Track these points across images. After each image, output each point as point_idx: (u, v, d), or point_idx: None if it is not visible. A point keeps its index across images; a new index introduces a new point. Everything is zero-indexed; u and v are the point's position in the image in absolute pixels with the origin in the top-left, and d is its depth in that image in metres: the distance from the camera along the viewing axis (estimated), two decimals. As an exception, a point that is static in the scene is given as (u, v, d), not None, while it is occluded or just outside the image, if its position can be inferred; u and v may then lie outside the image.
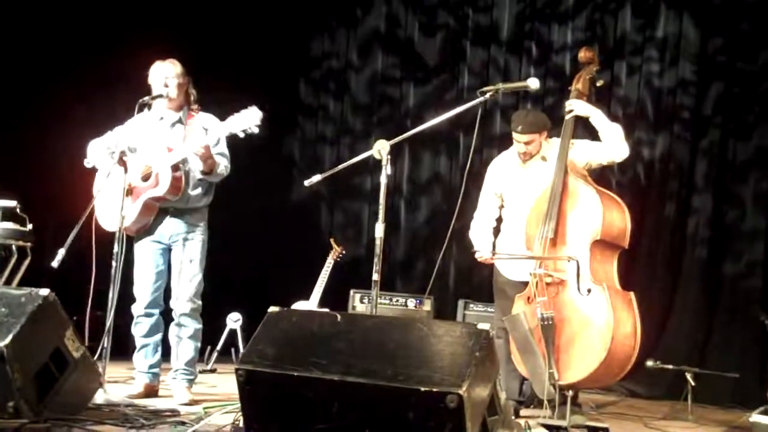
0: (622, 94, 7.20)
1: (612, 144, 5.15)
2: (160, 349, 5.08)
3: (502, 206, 5.43)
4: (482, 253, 5.27)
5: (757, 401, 5.54)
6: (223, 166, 4.96)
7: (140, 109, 4.83)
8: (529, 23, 7.62)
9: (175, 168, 4.83)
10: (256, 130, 4.61)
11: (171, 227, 4.98)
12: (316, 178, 4.34)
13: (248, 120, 4.61)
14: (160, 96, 4.93)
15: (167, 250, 5.01)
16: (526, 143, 5.20)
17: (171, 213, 4.97)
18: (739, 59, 6.86)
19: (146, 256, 5.00)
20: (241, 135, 4.66)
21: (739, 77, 6.86)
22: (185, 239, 4.98)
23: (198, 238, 5.01)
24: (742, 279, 6.75)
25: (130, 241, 4.95)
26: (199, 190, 4.99)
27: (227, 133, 4.73)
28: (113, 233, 4.70)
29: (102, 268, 4.64)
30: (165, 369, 5.11)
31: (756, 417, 4.67)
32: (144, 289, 4.99)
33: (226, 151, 5.01)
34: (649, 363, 5.95)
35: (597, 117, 5.18)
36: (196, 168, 4.89)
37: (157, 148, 4.88)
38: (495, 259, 5.21)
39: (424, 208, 7.90)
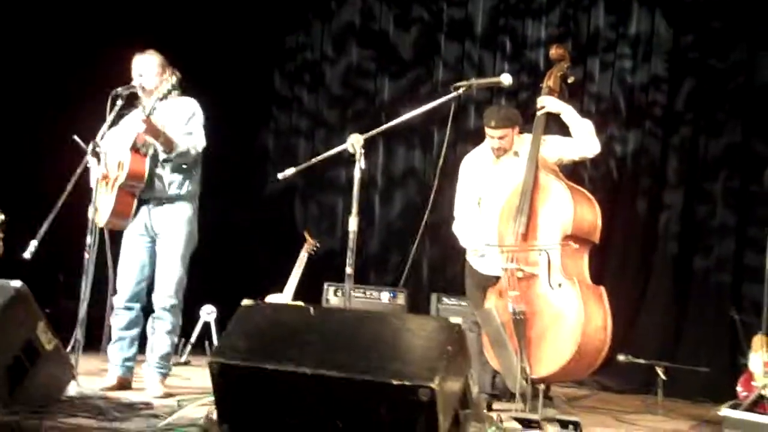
0: (594, 91, 7.23)
1: (583, 140, 5.20)
2: (136, 343, 5.05)
3: (478, 202, 5.46)
4: (475, 246, 5.27)
5: (728, 395, 5.62)
6: (188, 144, 4.88)
7: (113, 100, 4.78)
8: (503, 18, 7.63)
9: (135, 151, 4.81)
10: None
11: (153, 218, 4.94)
12: (290, 171, 4.34)
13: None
14: (133, 87, 4.90)
15: (152, 242, 4.98)
16: (500, 138, 5.24)
17: (152, 204, 4.94)
18: (710, 56, 6.92)
19: (131, 249, 4.97)
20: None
21: (710, 74, 6.91)
22: (168, 230, 4.94)
23: (180, 231, 4.95)
24: (713, 274, 6.82)
25: (101, 232, 4.89)
26: (176, 177, 4.94)
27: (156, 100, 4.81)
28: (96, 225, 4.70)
29: (77, 259, 4.61)
30: (140, 362, 5.09)
31: (726, 411, 4.73)
32: (126, 282, 4.96)
33: (197, 130, 4.96)
34: (621, 357, 6.00)
35: (568, 113, 5.22)
36: (159, 149, 4.86)
37: (127, 139, 4.87)
38: (485, 252, 5.20)
39: (398, 201, 7.91)
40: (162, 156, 4.87)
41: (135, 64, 4.97)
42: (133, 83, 4.90)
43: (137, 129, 4.75)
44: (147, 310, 5.03)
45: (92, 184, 4.80)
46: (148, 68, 4.94)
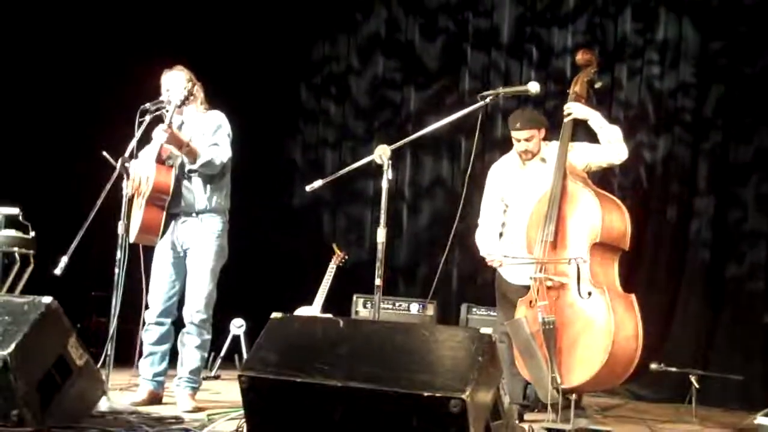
0: (622, 97, 7.21)
1: (611, 146, 5.15)
2: (167, 358, 5.04)
3: (505, 210, 5.43)
4: (492, 257, 5.25)
5: (762, 403, 5.55)
6: (211, 155, 4.86)
7: (141, 115, 4.82)
8: (529, 27, 7.64)
9: (160, 163, 4.82)
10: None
11: (183, 233, 4.94)
12: (318, 183, 4.34)
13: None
14: (161, 102, 4.93)
15: (182, 257, 4.98)
16: (526, 140, 5.22)
17: (181, 218, 4.94)
18: (738, 62, 6.88)
19: (161, 264, 4.97)
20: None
21: (739, 80, 6.87)
22: (198, 245, 4.93)
23: (211, 246, 4.94)
24: (745, 281, 6.77)
25: (134, 248, 4.92)
26: (204, 190, 4.94)
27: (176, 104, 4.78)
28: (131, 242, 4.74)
29: (108, 275, 4.63)
30: (170, 376, 5.11)
31: (761, 419, 4.67)
32: (157, 297, 4.96)
33: (223, 141, 4.96)
34: (653, 366, 5.94)
35: (595, 119, 5.18)
36: (184, 160, 4.87)
37: (153, 155, 4.89)
38: (504, 264, 5.19)
39: (426, 212, 7.91)
40: (188, 167, 4.89)
41: (164, 80, 5.00)
42: (161, 98, 4.93)
43: (160, 140, 4.77)
44: (178, 324, 5.04)
45: (124, 200, 4.84)
46: (176, 83, 4.96)
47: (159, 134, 4.75)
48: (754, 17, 6.81)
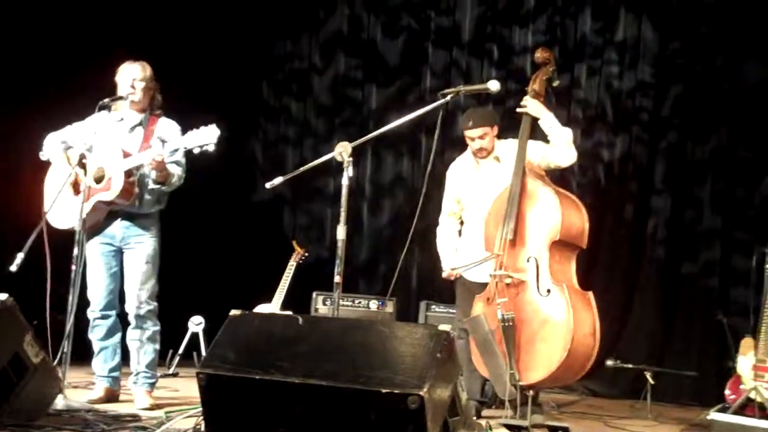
0: (582, 97, 7.27)
1: (558, 148, 5.19)
2: (119, 351, 5.02)
3: (463, 210, 5.47)
4: (448, 272, 5.33)
5: (716, 399, 5.66)
6: (177, 176, 4.91)
7: (100, 110, 4.79)
8: (490, 26, 7.66)
9: (128, 174, 4.78)
10: (212, 148, 4.60)
11: (122, 230, 4.91)
12: (278, 180, 4.33)
13: (206, 137, 4.59)
14: (122, 98, 4.89)
15: (119, 252, 4.94)
16: (480, 137, 5.25)
17: (122, 216, 4.91)
18: (696, 62, 6.96)
19: (98, 258, 4.92)
20: (197, 151, 4.65)
21: (696, 80, 6.95)
22: (137, 242, 4.92)
23: (150, 242, 4.95)
24: (700, 279, 6.86)
25: (68, 246, 4.85)
26: (151, 197, 4.94)
27: (183, 148, 4.72)
28: (66, 233, 4.68)
29: (60, 271, 4.58)
30: (126, 374, 5.07)
31: (715, 415, 4.74)
32: (98, 291, 4.92)
33: (183, 161, 4.96)
34: (609, 362, 6.02)
35: (547, 119, 5.20)
36: (149, 176, 4.86)
37: (112, 151, 4.83)
38: (460, 272, 5.22)
39: (387, 209, 7.92)
40: (153, 185, 4.87)
41: (127, 73, 4.93)
42: (122, 93, 4.89)
43: (142, 159, 4.74)
44: (121, 318, 5.01)
45: (52, 182, 4.81)
46: (140, 79, 4.91)
47: (144, 154, 4.74)
48: (713, 18, 6.90)
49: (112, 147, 4.84)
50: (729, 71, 6.84)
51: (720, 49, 6.89)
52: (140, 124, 4.96)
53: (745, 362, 5.48)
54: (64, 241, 4.67)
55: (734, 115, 6.81)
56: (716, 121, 6.89)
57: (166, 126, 4.97)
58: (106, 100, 4.81)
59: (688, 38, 7.00)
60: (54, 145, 4.98)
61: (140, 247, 4.92)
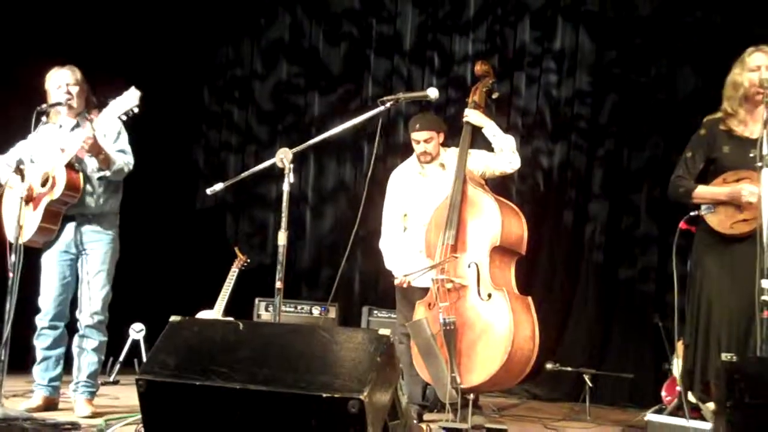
0: (521, 105, 7.36)
1: (503, 155, 5.29)
2: (62, 362, 4.97)
3: (405, 215, 5.51)
4: (399, 279, 5.33)
5: (652, 400, 5.78)
6: (123, 162, 4.86)
7: (38, 117, 4.74)
8: (431, 34, 7.73)
9: (70, 167, 4.75)
10: (136, 110, 4.60)
11: (78, 236, 4.87)
12: (219, 186, 4.32)
13: (128, 101, 4.59)
14: (59, 104, 4.85)
15: (75, 260, 4.91)
16: (426, 141, 5.32)
17: (78, 220, 4.87)
18: (632, 71, 7.11)
19: (53, 267, 4.89)
20: (124, 118, 4.63)
21: (632, 89, 7.09)
22: (93, 249, 4.88)
23: (106, 247, 4.92)
24: (637, 283, 6.99)
25: (29, 251, 4.82)
26: (103, 193, 4.90)
27: (111, 117, 4.67)
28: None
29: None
30: (66, 381, 5.02)
31: (651, 416, 4.83)
32: (49, 300, 4.88)
33: (128, 148, 4.94)
34: (549, 365, 6.10)
35: (490, 128, 5.32)
36: (92, 166, 4.82)
37: (52, 153, 4.81)
38: (410, 279, 5.25)
39: (329, 216, 7.94)
40: (98, 174, 4.83)
41: (58, 78, 4.90)
42: (59, 99, 4.85)
43: (76, 146, 4.70)
44: (70, 326, 4.96)
45: (8, 202, 4.76)
46: (73, 83, 4.88)
47: (75, 141, 4.69)
48: (648, 28, 7.06)
49: (52, 150, 4.81)
50: (663, 81, 7.00)
51: (655, 59, 7.04)
52: (78, 125, 4.94)
53: (680, 365, 5.60)
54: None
55: (669, 123, 6.94)
56: (652, 129, 7.03)
57: (102, 121, 4.92)
58: (44, 106, 4.78)
59: (623, 48, 7.14)
60: (2, 168, 4.93)
61: (96, 253, 4.89)
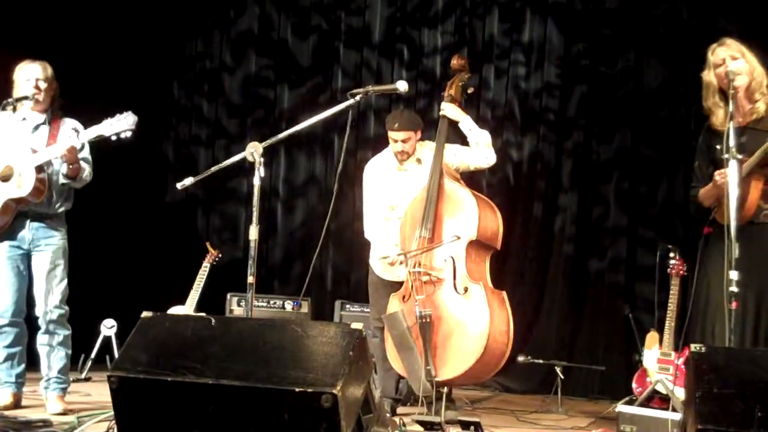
0: (490, 97, 7.39)
1: (479, 149, 5.31)
2: (25, 357, 4.93)
3: (391, 208, 5.48)
4: (392, 258, 5.25)
5: (623, 392, 5.83)
6: (87, 172, 4.86)
7: (4, 108, 4.70)
8: (400, 27, 7.73)
9: (39, 170, 4.71)
10: (129, 134, 4.56)
11: (31, 232, 4.82)
12: (189, 180, 4.29)
13: (122, 124, 4.55)
14: (26, 98, 4.80)
15: (27, 256, 4.86)
16: (403, 141, 5.32)
17: (31, 217, 4.82)
18: (600, 63, 7.15)
19: (5, 263, 4.82)
20: (113, 138, 4.59)
21: (600, 80, 7.13)
22: (47, 244, 4.84)
23: (59, 243, 4.88)
24: (607, 274, 7.04)
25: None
26: (61, 196, 4.87)
27: (98, 135, 4.64)
28: None
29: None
30: (33, 379, 4.97)
31: (622, 407, 4.87)
32: (6, 297, 4.81)
33: (90, 158, 4.91)
34: (521, 358, 6.14)
35: (466, 122, 5.34)
36: (60, 172, 4.79)
37: (20, 149, 4.74)
38: (399, 258, 5.19)
39: (301, 210, 7.92)
40: (64, 180, 4.79)
41: (27, 72, 4.85)
42: (25, 93, 4.80)
43: (53, 152, 4.66)
44: (29, 322, 4.92)
45: None
46: (42, 79, 4.84)
47: (56, 148, 4.66)
48: (615, 20, 7.10)
49: (19, 144, 4.75)
50: (631, 72, 7.05)
51: (622, 51, 7.09)
52: (44, 123, 4.89)
53: (650, 356, 5.67)
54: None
55: (637, 115, 7.01)
56: (620, 121, 7.08)
57: (73, 124, 4.89)
58: (11, 99, 4.72)
59: (591, 40, 7.18)
60: None
61: (50, 249, 4.85)
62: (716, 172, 4.14)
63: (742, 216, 3.81)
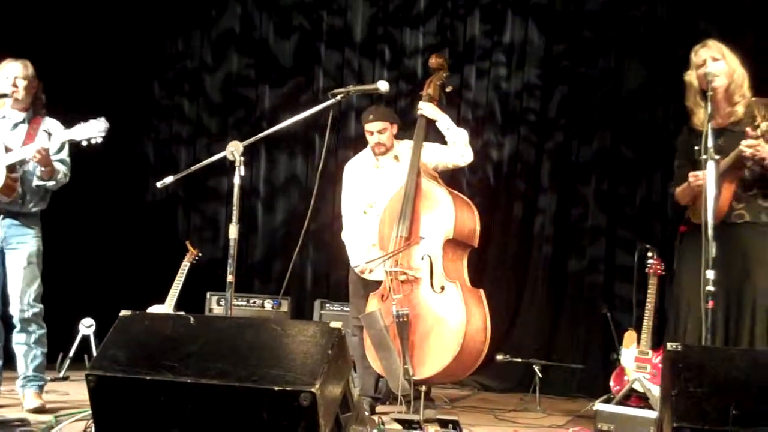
0: (471, 98, 7.41)
1: (456, 148, 5.34)
2: (2, 355, 4.92)
3: (368, 206, 5.50)
4: (360, 267, 5.33)
5: (601, 390, 5.87)
6: (62, 173, 4.85)
7: None
8: (381, 27, 7.74)
9: (11, 169, 4.69)
10: (99, 140, 4.56)
11: (3, 230, 4.81)
12: (169, 179, 4.30)
13: (93, 130, 4.55)
14: (6, 95, 4.79)
15: (0, 253, 4.87)
16: (379, 132, 5.35)
17: (3, 215, 4.82)
18: (580, 64, 7.18)
19: None
20: (84, 144, 4.59)
21: (580, 81, 7.17)
22: (20, 243, 4.83)
23: (33, 242, 4.86)
24: (586, 274, 7.07)
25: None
26: (36, 196, 4.86)
27: (69, 139, 4.64)
28: None
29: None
30: (9, 378, 4.95)
31: (599, 405, 4.90)
32: None
33: (68, 159, 4.89)
34: (499, 357, 6.15)
35: (443, 121, 5.37)
36: (34, 173, 4.78)
37: None
38: (372, 267, 5.25)
39: (281, 209, 7.92)
40: (38, 182, 4.78)
41: (7, 70, 4.84)
42: (4, 90, 4.78)
43: (26, 152, 4.65)
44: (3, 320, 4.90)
45: None
46: (22, 77, 4.82)
47: (28, 148, 4.64)
48: (595, 22, 7.14)
49: (9, 157, 4.73)
50: (611, 74, 7.09)
51: (602, 52, 7.12)
52: (23, 121, 4.87)
53: (628, 354, 5.71)
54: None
55: (617, 116, 7.05)
56: (600, 122, 7.11)
57: (51, 124, 4.88)
58: (-9, 96, 4.71)
59: (571, 41, 7.21)
60: None
61: (23, 247, 4.83)
62: (690, 174, 4.18)
63: (714, 216, 3.84)
